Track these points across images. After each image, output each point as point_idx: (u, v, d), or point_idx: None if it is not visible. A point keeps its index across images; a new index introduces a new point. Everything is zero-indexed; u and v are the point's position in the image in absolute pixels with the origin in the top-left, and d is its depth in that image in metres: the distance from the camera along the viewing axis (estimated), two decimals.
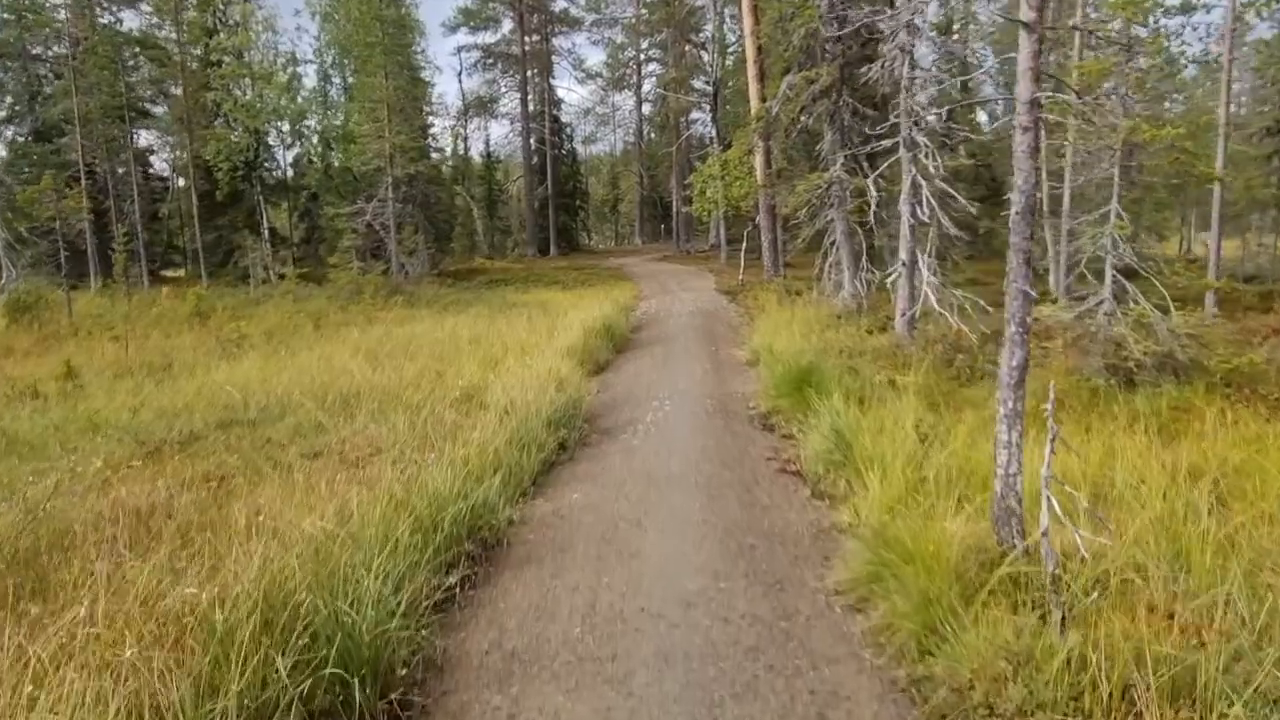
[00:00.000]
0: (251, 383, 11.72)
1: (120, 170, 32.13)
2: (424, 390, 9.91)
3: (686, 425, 8.41)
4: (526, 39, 46.33)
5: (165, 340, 16.51)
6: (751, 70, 20.23)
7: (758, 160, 20.09)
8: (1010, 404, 4.08)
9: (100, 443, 8.32)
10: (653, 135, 52.73)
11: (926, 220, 10.68)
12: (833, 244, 16.86)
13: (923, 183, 10.66)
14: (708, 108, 34.39)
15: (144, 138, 36.12)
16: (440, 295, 23.65)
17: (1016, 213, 3.99)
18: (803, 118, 15.29)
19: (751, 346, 12.97)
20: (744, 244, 24.09)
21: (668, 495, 6.18)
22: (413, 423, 7.91)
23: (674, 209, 42.14)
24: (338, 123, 27.94)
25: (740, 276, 23.80)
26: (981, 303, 10.84)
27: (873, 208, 15.42)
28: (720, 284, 24.41)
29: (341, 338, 15.92)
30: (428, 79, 32.41)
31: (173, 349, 15.32)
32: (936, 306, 10.69)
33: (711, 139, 39.57)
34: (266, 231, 31.46)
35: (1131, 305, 8.56)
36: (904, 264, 11.13)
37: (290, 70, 31.52)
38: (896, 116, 11.32)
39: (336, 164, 28.30)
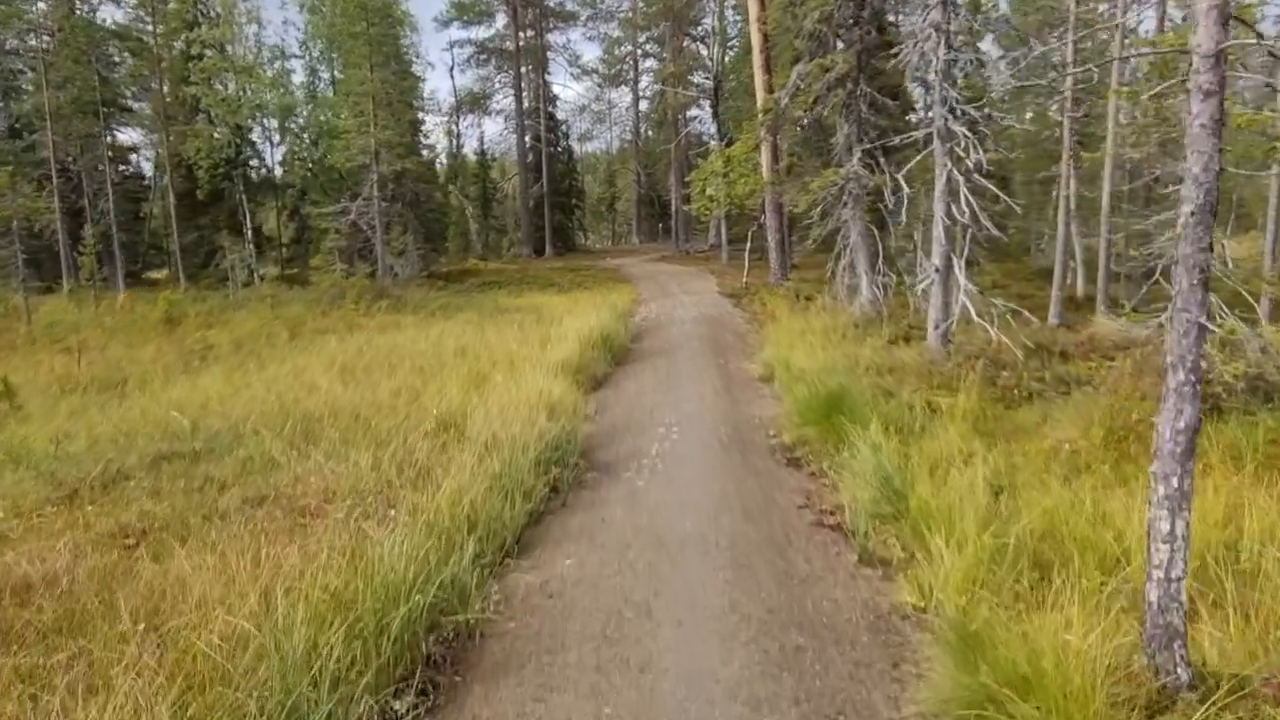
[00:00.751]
0: (211, 401, 10.52)
1: (100, 168, 30.86)
2: (398, 414, 8.72)
3: (699, 461, 7.22)
4: (521, 34, 45.09)
5: (126, 351, 15.28)
6: (757, 60, 19.05)
7: (764, 156, 18.90)
8: (1175, 482, 2.91)
9: (13, 482, 7.12)
10: (650, 133, 51.50)
11: (964, 221, 9.50)
12: (846, 245, 15.71)
13: (960, 179, 9.48)
14: (707, 104, 33.20)
15: (129, 135, 34.88)
16: (429, 299, 22.43)
17: (1191, 214, 2.82)
18: (816, 108, 14.10)
19: (764, 359, 11.79)
20: (748, 244, 22.91)
21: (683, 565, 4.99)
22: (378, 460, 6.72)
23: (673, 208, 40.96)
24: (323, 118, 26.61)
25: (744, 279, 22.63)
26: (1025, 313, 9.67)
27: (889, 206, 14.32)
28: (723, 286, 23.23)
29: (317, 348, 14.71)
30: (419, 74, 31.14)
31: (131, 361, 14.10)
32: (976, 318, 9.51)
33: (712, 136, 38.48)
34: (250, 232, 30.21)
35: (1219, 320, 7.39)
36: (937, 269, 9.95)
37: (278, 65, 30.37)
38: (924, 107, 10.13)
39: (323, 161, 26.94)
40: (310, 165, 27.71)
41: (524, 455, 6.40)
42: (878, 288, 14.18)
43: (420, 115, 33.44)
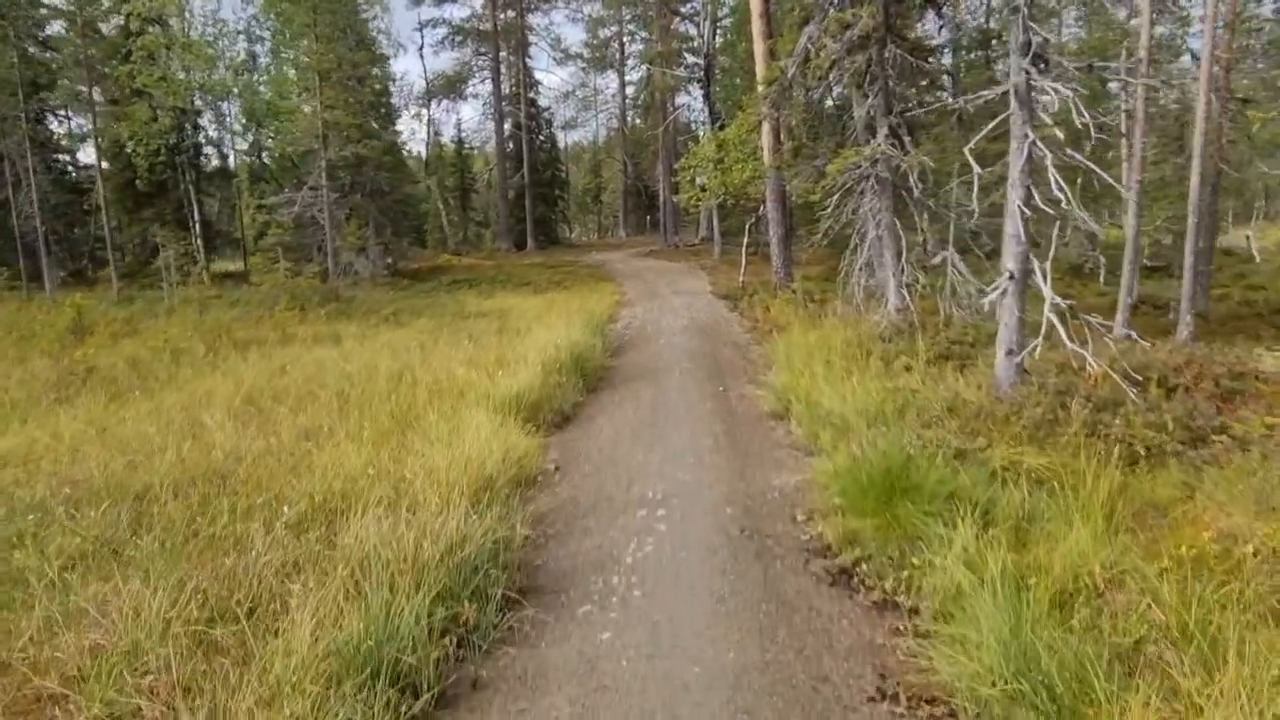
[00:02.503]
0: (48, 451, 7.95)
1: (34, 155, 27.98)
2: (276, 482, 6.19)
3: (699, 581, 4.72)
4: (499, 14, 42.33)
5: None
6: (757, 26, 16.52)
7: (765, 138, 16.39)
8: None
9: None
10: (637, 120, 48.85)
11: (1047, 210, 7.04)
12: (862, 239, 13.23)
13: (1047, 154, 7.01)
14: (698, 89, 30.57)
15: (79, 121, 31.83)
16: (386, 301, 19.82)
17: None
18: (832, 75, 11.58)
19: (775, 386, 9.31)
20: (745, 238, 20.40)
21: None
22: (176, 600, 4.17)
23: (661, 199, 38.38)
24: (266, 96, 23.81)
25: (741, 277, 20.12)
26: (1133, 334, 7.22)
27: (917, 194, 11.87)
28: (717, 286, 20.74)
29: (231, 367, 12.13)
30: (383, 52, 28.38)
31: None
32: (1067, 340, 7.05)
33: (703, 122, 35.89)
34: (197, 225, 27.47)
35: None
36: (1011, 275, 7.49)
37: (224, 43, 27.51)
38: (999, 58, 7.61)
39: (269, 146, 24.20)
40: (256, 151, 24.91)
41: (409, 600, 3.86)
42: (906, 292, 11.72)
43: (386, 99, 30.72)
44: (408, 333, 15.40)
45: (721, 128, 22.54)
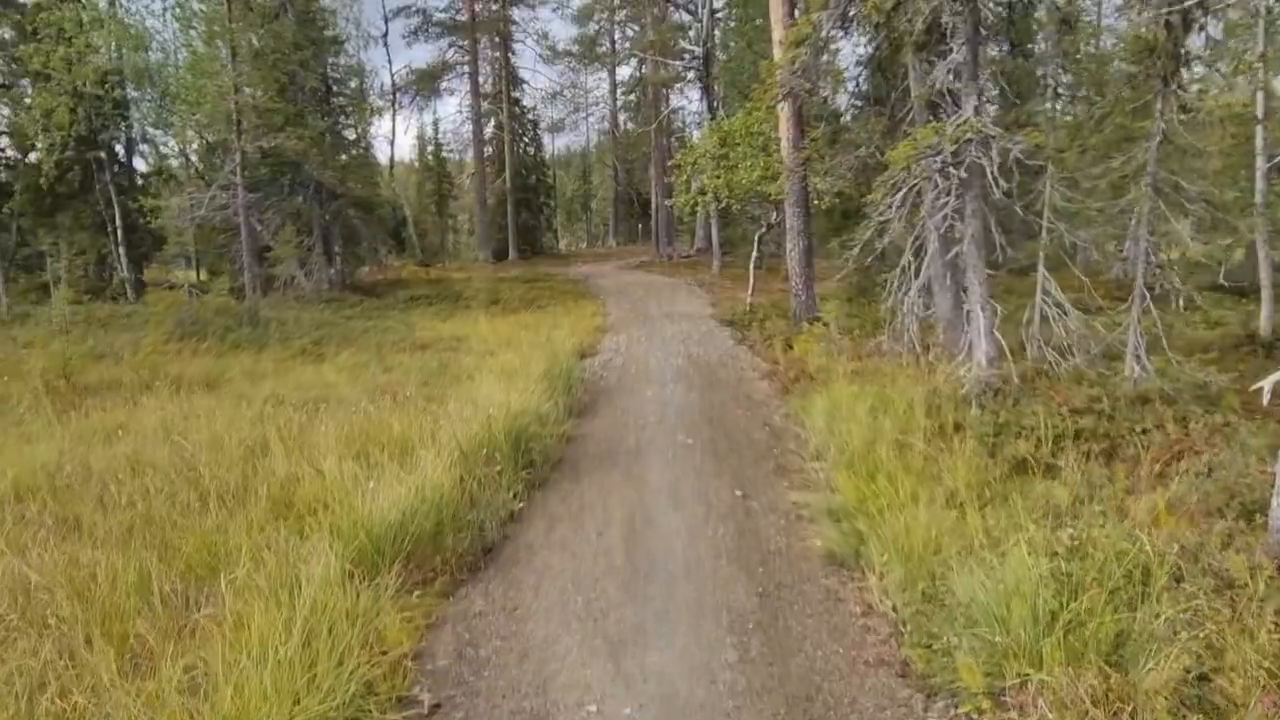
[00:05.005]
0: None
1: None
2: None
3: None
4: (478, 4, 38.88)
5: None
6: None
7: (783, 124, 12.86)
8: None
9: None
10: (629, 124, 45.38)
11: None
12: (917, 253, 9.78)
13: None
14: (696, 82, 27.06)
15: None
16: (314, 325, 16.16)
17: None
18: (896, 22, 8.06)
19: (831, 499, 5.80)
20: (754, 252, 16.87)
21: None
22: None
23: (653, 205, 34.89)
24: (174, 77, 20.11)
25: (748, 297, 16.57)
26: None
27: (1008, 191, 8.39)
28: (719, 308, 17.18)
29: (38, 431, 8.51)
30: (334, 34, 24.81)
31: None
32: None
33: (698, 124, 32.37)
34: (119, 231, 23.77)
35: None
36: None
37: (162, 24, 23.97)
38: None
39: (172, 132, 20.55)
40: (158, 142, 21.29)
41: None
42: (997, 333, 8.19)
43: (344, 89, 27.12)
44: (321, 371, 11.82)
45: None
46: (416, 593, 4.72)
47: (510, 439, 6.84)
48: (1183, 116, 7.24)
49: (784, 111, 12.48)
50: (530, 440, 7.18)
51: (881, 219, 8.52)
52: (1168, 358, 7.65)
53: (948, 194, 8.32)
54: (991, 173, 7.39)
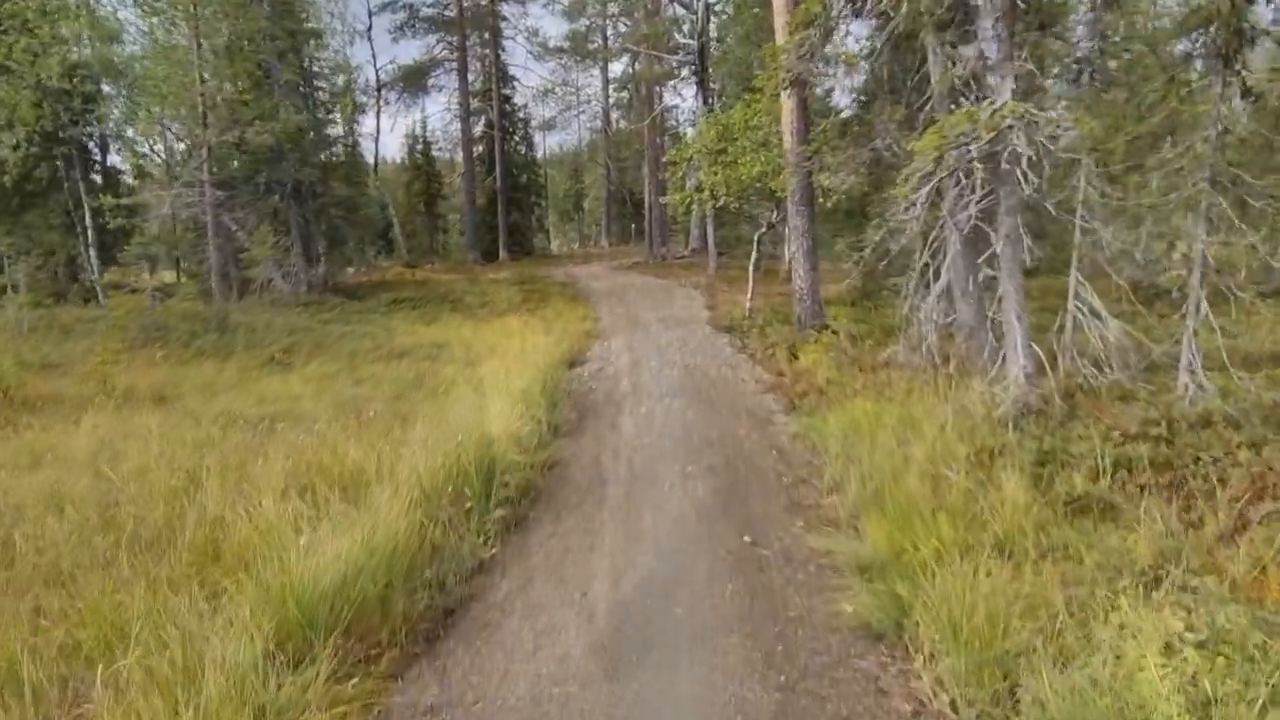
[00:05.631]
0: None
1: None
2: None
3: None
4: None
5: None
6: None
7: (786, 115, 11.97)
8: None
9: None
10: (622, 122, 44.46)
11: None
12: (935, 254, 8.92)
13: None
14: (691, 77, 26.14)
15: None
16: (285, 330, 15.20)
17: None
18: None
19: (853, 533, 4.92)
20: (753, 253, 15.98)
21: None
22: None
23: (646, 204, 33.96)
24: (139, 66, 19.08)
25: (747, 301, 15.66)
26: None
27: (1039, 186, 7.53)
28: (717, 312, 16.28)
29: None
30: (314, 26, 23.83)
31: None
32: None
33: (693, 123, 31.41)
34: (89, 232, 22.74)
35: None
36: None
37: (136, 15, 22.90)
38: None
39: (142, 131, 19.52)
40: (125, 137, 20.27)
41: None
42: (1034, 348, 7.31)
43: (326, 85, 26.15)
44: (283, 383, 10.88)
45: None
46: (355, 678, 3.81)
47: (482, 471, 5.92)
48: (1247, 102, 6.38)
49: (788, 101, 11.58)
50: (506, 471, 6.26)
51: (901, 217, 7.62)
52: (1229, 373, 6.77)
53: (973, 189, 7.44)
54: (1028, 161, 6.50)
